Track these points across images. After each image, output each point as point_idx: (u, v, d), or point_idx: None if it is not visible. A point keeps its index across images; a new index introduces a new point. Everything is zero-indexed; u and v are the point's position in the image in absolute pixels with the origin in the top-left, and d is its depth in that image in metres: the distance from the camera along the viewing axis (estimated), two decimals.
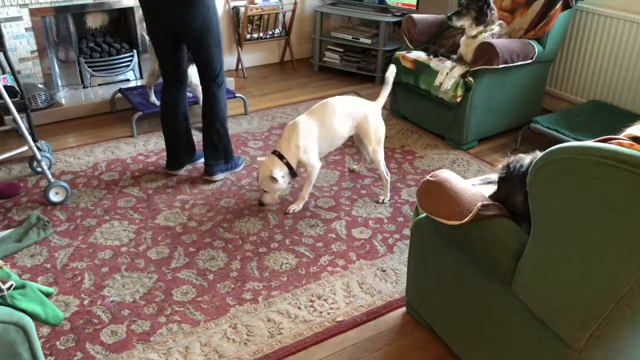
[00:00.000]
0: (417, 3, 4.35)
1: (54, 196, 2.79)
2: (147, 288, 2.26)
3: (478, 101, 3.34)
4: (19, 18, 3.59)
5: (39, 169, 3.05)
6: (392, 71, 2.85)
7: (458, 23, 3.31)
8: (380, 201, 2.89)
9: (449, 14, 3.35)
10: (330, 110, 2.71)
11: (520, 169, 1.61)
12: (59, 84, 3.93)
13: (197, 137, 3.30)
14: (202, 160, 3.12)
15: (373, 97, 2.88)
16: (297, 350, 1.98)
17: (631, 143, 1.25)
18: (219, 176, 3.07)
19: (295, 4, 4.71)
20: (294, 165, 2.67)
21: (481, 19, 3.28)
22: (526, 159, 1.65)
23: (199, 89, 3.58)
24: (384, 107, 2.86)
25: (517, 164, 1.65)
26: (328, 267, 2.40)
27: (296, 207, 2.79)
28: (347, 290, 2.28)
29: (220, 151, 3.03)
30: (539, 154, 1.37)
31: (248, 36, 4.64)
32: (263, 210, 2.80)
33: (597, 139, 1.32)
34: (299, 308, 2.18)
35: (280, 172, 2.63)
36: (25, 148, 2.82)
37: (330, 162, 3.27)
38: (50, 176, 2.76)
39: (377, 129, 2.77)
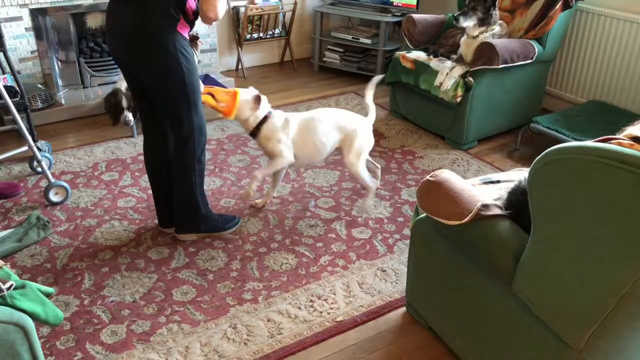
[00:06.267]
0: (417, 3, 4.36)
1: (54, 196, 2.79)
2: (147, 288, 2.26)
3: (478, 101, 3.34)
4: (19, 18, 3.59)
5: (39, 169, 3.05)
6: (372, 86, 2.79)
7: (465, 24, 3.31)
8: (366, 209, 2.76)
9: (454, 15, 3.35)
10: (318, 118, 2.64)
11: None
12: (59, 84, 3.93)
13: None
14: None
15: (374, 97, 2.87)
16: (297, 350, 1.98)
17: (631, 143, 1.25)
18: (188, 236, 2.55)
19: (295, 4, 4.71)
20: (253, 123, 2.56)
21: (486, 19, 3.29)
22: None
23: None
24: (383, 108, 2.84)
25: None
26: (328, 267, 2.40)
27: (249, 187, 2.57)
28: (347, 290, 2.28)
29: (184, 211, 2.50)
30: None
31: (248, 36, 4.64)
32: (263, 210, 2.79)
33: (597, 139, 1.32)
34: (299, 308, 2.18)
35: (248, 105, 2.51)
36: (25, 148, 2.82)
37: (330, 162, 3.27)
38: (50, 176, 2.76)
39: (361, 145, 2.67)
